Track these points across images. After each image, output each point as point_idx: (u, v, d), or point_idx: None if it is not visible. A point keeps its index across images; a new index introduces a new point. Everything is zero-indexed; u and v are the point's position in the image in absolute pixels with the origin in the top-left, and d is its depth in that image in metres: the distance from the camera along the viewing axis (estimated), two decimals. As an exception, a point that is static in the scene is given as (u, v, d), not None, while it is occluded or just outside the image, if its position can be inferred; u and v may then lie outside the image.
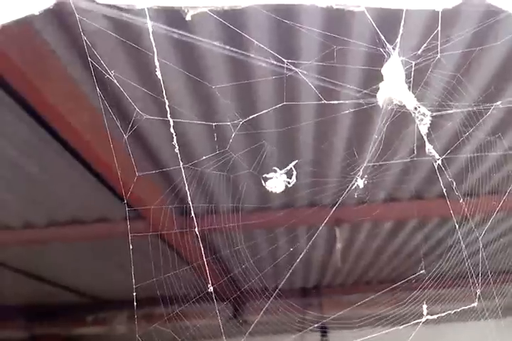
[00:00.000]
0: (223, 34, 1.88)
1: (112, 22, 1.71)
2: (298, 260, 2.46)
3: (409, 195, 3.62)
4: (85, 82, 2.27)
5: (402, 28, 1.13)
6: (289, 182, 1.56)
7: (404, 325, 1.50)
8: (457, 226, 1.74)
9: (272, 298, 2.44)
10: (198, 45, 1.86)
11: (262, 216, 3.32)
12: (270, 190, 1.57)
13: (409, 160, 1.65)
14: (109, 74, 1.19)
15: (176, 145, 1.19)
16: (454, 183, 1.57)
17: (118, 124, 1.42)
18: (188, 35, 1.72)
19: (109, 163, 2.72)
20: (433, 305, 1.50)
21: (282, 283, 5.75)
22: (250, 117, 1.40)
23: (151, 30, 1.09)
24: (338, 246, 4.25)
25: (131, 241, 1.94)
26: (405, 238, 4.43)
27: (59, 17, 1.91)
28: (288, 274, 5.19)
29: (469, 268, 1.65)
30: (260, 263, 4.23)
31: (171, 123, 1.14)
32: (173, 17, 1.73)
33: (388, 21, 1.36)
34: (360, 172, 1.46)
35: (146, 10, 1.07)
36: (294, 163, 1.57)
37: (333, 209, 1.73)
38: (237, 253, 2.57)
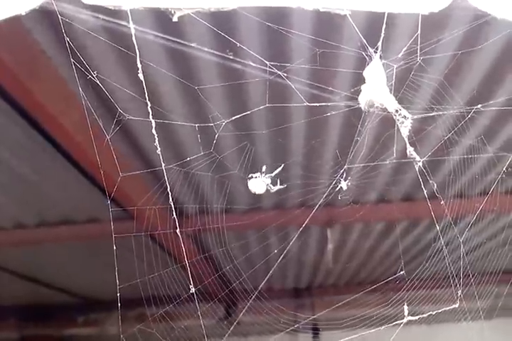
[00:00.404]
0: (213, 35, 1.89)
1: (100, 23, 1.72)
2: (280, 261, 2.46)
3: (394, 197, 3.63)
4: (76, 83, 2.27)
5: (383, 31, 1.14)
6: (271, 187, 1.57)
7: (384, 326, 1.51)
8: (439, 228, 1.75)
9: (263, 299, 2.45)
10: (187, 46, 1.87)
11: (252, 216, 3.33)
12: (251, 190, 1.58)
13: (388, 162, 1.67)
14: (91, 76, 1.20)
15: (158, 147, 1.19)
16: (435, 185, 1.59)
17: (101, 125, 1.42)
18: (175, 37, 1.73)
19: (99, 164, 2.73)
20: (416, 307, 1.51)
21: (273, 283, 5.77)
22: (233, 118, 1.41)
23: (133, 32, 1.10)
24: (330, 246, 4.27)
25: (122, 242, 1.94)
26: (394, 240, 4.45)
27: (49, 17, 1.91)
28: (278, 274, 5.21)
29: (451, 271, 1.66)
30: (251, 263, 4.24)
31: (153, 125, 1.15)
32: (162, 18, 1.74)
33: (377, 25, 1.37)
34: (344, 175, 1.48)
35: (129, 12, 1.08)
36: (279, 168, 1.59)
37: (313, 211, 1.74)
38: (228, 253, 2.58)
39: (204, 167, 2.04)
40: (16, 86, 2.13)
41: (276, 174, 1.62)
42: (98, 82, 1.19)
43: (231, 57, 1.64)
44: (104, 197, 3.32)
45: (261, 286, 2.48)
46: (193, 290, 1.47)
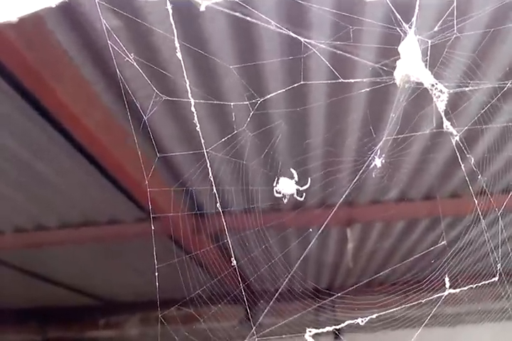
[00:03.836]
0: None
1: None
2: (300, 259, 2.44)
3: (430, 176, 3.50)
4: (97, 82, 2.28)
5: (417, 7, 1.14)
6: (298, 190, 1.61)
7: (426, 299, 1.48)
8: (481, 216, 1.70)
9: (283, 300, 2.42)
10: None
11: (276, 216, 3.30)
12: (280, 190, 1.61)
13: (421, 132, 1.64)
14: (128, 58, 1.20)
15: (199, 129, 1.19)
16: (473, 160, 1.56)
17: (130, 122, 1.42)
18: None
19: (122, 165, 2.74)
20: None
21: (293, 284, 5.74)
22: (268, 96, 1.40)
23: (171, 12, 1.11)
24: (350, 246, 4.23)
25: (143, 244, 1.94)
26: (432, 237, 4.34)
27: (71, 17, 1.93)
28: (298, 275, 5.16)
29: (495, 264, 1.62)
30: (272, 264, 4.21)
31: (192, 103, 1.15)
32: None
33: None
34: (378, 152, 1.46)
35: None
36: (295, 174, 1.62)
37: (348, 189, 1.72)
38: (247, 250, 2.56)
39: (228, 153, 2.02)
40: (39, 86, 2.15)
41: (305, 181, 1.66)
42: (135, 63, 1.20)
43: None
44: (126, 198, 3.34)
45: (283, 288, 2.46)
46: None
